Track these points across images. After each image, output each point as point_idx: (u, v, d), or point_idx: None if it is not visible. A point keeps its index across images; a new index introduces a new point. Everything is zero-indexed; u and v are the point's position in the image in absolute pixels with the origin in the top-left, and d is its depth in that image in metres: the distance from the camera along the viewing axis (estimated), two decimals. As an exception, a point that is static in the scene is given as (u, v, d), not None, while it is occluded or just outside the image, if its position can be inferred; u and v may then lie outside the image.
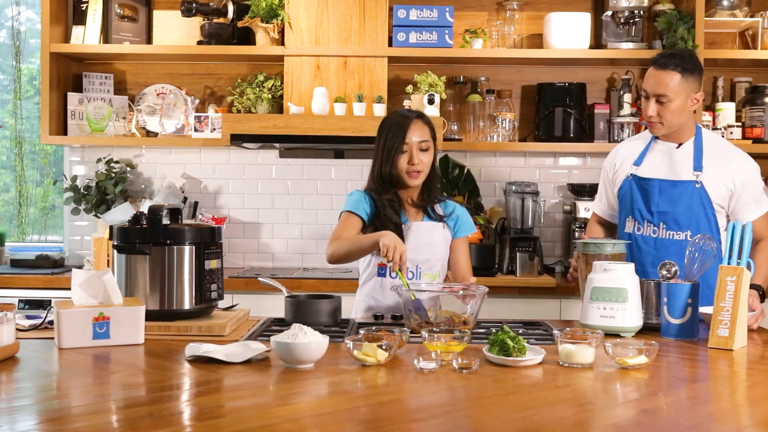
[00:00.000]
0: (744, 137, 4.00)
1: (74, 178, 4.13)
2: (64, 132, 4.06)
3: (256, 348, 1.95)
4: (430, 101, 3.79)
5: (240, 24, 3.96)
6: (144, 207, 3.81)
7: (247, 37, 4.06)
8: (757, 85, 4.08)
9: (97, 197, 4.04)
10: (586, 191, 3.93)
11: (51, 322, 2.23)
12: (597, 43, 4.12)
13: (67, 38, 4.08)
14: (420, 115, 2.70)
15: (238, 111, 3.97)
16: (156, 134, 4.06)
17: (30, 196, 4.45)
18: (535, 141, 4.04)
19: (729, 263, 2.20)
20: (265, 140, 3.81)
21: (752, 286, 2.45)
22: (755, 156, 4.10)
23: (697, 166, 2.64)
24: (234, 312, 2.47)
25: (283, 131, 3.70)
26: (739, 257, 2.20)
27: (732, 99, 4.17)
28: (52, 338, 2.10)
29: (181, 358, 1.95)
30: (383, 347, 1.87)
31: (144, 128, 4.11)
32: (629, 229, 2.74)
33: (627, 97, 4.03)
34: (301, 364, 1.85)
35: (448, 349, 1.91)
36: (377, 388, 1.72)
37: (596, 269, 2.30)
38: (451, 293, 2.38)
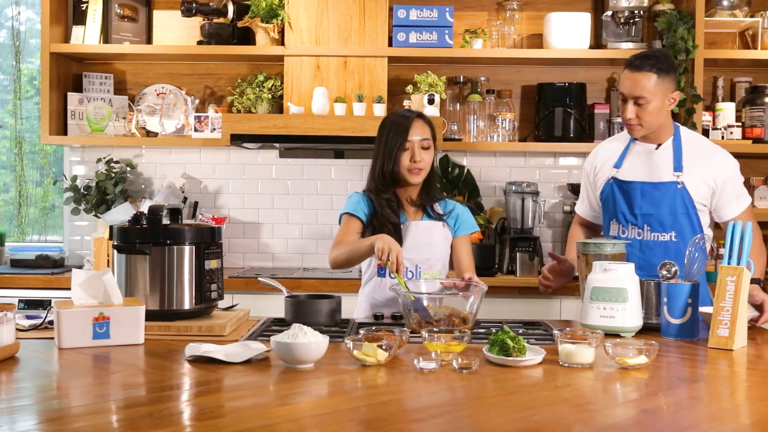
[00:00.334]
0: (744, 137, 4.00)
1: (74, 178, 4.13)
2: (64, 132, 4.06)
3: (256, 348, 1.95)
4: (430, 101, 3.79)
5: (240, 24, 3.96)
6: (144, 207, 3.81)
7: (247, 37, 4.06)
8: (757, 85, 4.08)
9: (97, 197, 4.04)
10: (586, 191, 3.92)
11: (51, 322, 2.23)
12: (597, 43, 4.12)
13: (67, 38, 4.08)
14: (420, 115, 2.71)
15: (238, 111, 3.97)
16: (156, 134, 4.06)
17: (30, 196, 4.45)
18: (535, 141, 4.04)
19: (729, 263, 2.20)
20: (265, 140, 3.81)
21: (752, 281, 2.45)
22: (755, 156, 4.14)
23: (678, 167, 2.65)
24: (234, 312, 2.47)
25: (283, 131, 3.70)
26: (739, 257, 2.20)
27: (732, 99, 4.17)
28: (52, 338, 2.10)
29: (181, 358, 1.95)
30: (383, 347, 1.87)
31: (144, 128, 4.11)
32: (614, 232, 2.74)
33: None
34: (301, 364, 1.85)
35: (448, 349, 1.91)
36: (377, 388, 1.72)
37: (596, 269, 2.30)
38: (451, 289, 2.38)
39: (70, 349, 2.03)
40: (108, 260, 3.71)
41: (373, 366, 1.86)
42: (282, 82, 3.98)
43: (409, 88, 3.93)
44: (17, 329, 2.07)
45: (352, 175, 4.22)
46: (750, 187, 4.10)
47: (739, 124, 4.01)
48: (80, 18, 4.05)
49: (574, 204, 3.93)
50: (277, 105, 4.00)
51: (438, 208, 2.75)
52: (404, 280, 2.38)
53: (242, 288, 3.61)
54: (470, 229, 2.77)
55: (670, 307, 2.26)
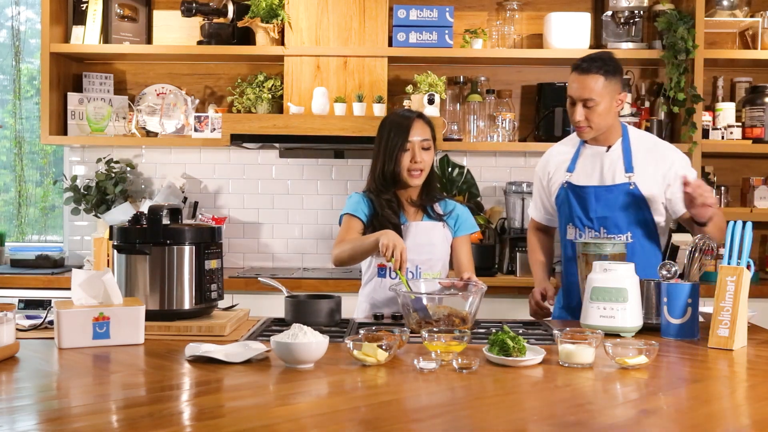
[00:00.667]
0: (744, 137, 4.00)
1: (74, 178, 4.13)
2: (64, 132, 4.06)
3: (256, 348, 1.95)
4: (430, 101, 3.79)
5: (240, 24, 3.96)
6: (144, 207, 3.81)
7: (247, 37, 4.06)
8: (757, 85, 4.08)
9: (97, 197, 4.04)
10: (586, 191, 3.92)
11: (51, 322, 2.23)
12: (597, 43, 4.12)
13: (67, 38, 4.08)
14: (421, 115, 2.70)
15: (238, 111, 3.97)
16: (156, 134, 4.06)
17: (30, 196, 4.45)
18: (535, 141, 4.04)
19: (729, 263, 2.20)
20: (265, 140, 3.81)
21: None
22: (755, 156, 4.14)
23: (628, 168, 2.65)
24: (234, 312, 2.47)
25: (283, 131, 3.70)
26: (739, 257, 2.20)
27: (732, 99, 4.17)
28: (52, 338, 2.10)
29: (181, 358, 1.95)
30: (383, 347, 1.87)
31: (144, 128, 4.11)
32: (571, 236, 2.74)
33: (627, 98, 4.02)
34: (301, 364, 1.85)
35: (448, 349, 1.91)
36: (377, 388, 1.72)
37: (596, 269, 2.30)
38: (450, 288, 2.38)
39: (70, 349, 2.03)
40: (108, 260, 3.71)
41: (373, 366, 1.86)
42: (282, 82, 3.98)
43: (409, 88, 3.93)
44: (17, 329, 2.07)
45: (352, 175, 4.22)
46: (750, 187, 4.10)
47: (739, 124, 4.01)
48: (80, 18, 4.05)
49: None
50: (277, 105, 4.00)
51: (438, 208, 2.74)
52: (406, 278, 2.38)
53: (242, 288, 3.61)
54: (470, 230, 2.77)
55: (670, 307, 2.26)
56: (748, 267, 2.19)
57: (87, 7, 4.04)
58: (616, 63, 2.65)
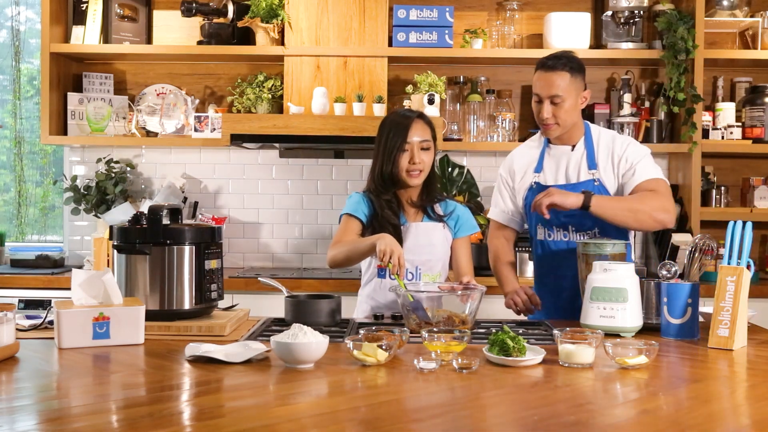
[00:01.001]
0: (744, 137, 4.00)
1: (74, 178, 4.13)
2: (64, 132, 4.06)
3: (256, 348, 1.95)
4: (430, 101, 3.79)
5: (240, 24, 3.96)
6: (144, 207, 3.81)
7: (247, 37, 4.06)
8: (757, 85, 4.08)
9: (97, 197, 4.04)
10: (586, 191, 3.92)
11: (51, 322, 2.23)
12: (597, 43, 4.12)
13: (67, 38, 4.08)
14: (421, 115, 2.70)
15: (238, 111, 3.97)
16: (156, 134, 4.06)
17: (30, 196, 4.45)
18: (535, 141, 4.04)
19: (729, 263, 2.20)
20: (265, 140, 3.81)
21: (585, 192, 2.49)
22: (755, 156, 4.14)
23: (591, 164, 2.67)
24: (234, 312, 2.47)
25: (283, 131, 3.70)
26: (739, 257, 2.20)
27: (732, 99, 4.17)
28: (52, 338, 2.10)
29: (181, 358, 1.95)
30: (383, 347, 1.87)
31: (144, 128, 4.11)
32: (541, 236, 2.74)
33: (627, 97, 4.03)
34: (301, 364, 1.85)
35: (448, 349, 1.91)
36: (377, 388, 1.72)
37: (596, 269, 2.30)
38: (449, 292, 2.38)
39: (70, 349, 2.03)
40: (108, 260, 3.71)
41: (373, 366, 1.86)
42: (282, 82, 3.98)
43: (409, 88, 3.93)
44: (17, 329, 2.07)
45: (352, 175, 4.22)
46: (750, 187, 4.10)
47: (739, 124, 4.01)
48: (80, 18, 4.05)
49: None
50: (277, 105, 4.00)
51: (438, 209, 2.74)
52: (404, 282, 2.38)
53: (242, 288, 3.61)
54: (470, 231, 2.77)
55: (670, 307, 2.26)
56: (748, 267, 2.19)
57: (87, 7, 4.04)
58: (580, 61, 2.67)
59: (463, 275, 2.65)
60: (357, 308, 2.76)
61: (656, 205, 2.53)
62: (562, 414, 1.53)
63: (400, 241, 2.62)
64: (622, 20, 4.01)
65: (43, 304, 3.57)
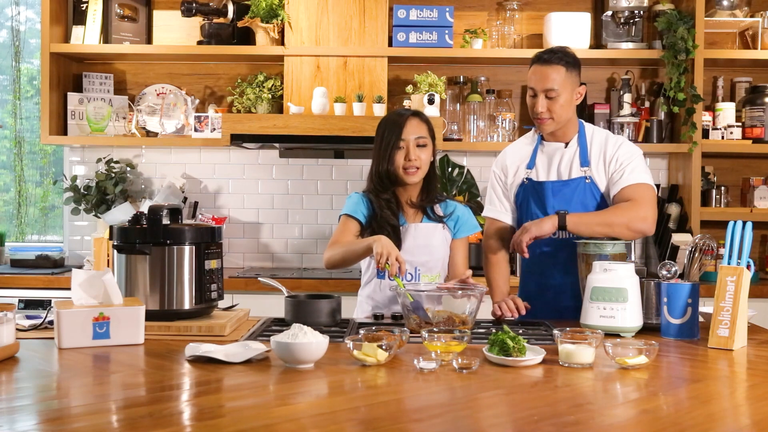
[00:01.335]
0: (744, 137, 4.00)
1: (74, 178, 4.13)
2: (64, 132, 4.06)
3: (256, 348, 1.95)
4: (430, 101, 3.79)
5: (240, 24, 3.96)
6: (144, 207, 3.81)
7: (247, 37, 4.06)
8: (757, 85, 4.08)
9: (97, 197, 4.04)
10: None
11: (51, 322, 2.23)
12: (597, 43, 4.12)
13: (67, 38, 4.08)
14: (417, 113, 2.69)
15: (238, 111, 3.97)
16: (156, 134, 4.06)
17: (30, 196, 4.45)
18: (535, 141, 4.04)
19: (729, 263, 2.20)
20: (265, 140, 3.81)
21: (558, 213, 2.50)
22: (755, 156, 4.14)
23: (584, 162, 2.66)
24: (234, 312, 2.47)
25: (283, 131, 3.70)
26: (739, 257, 2.20)
27: (732, 99, 4.17)
28: (52, 338, 2.10)
29: (181, 358, 1.95)
30: (383, 347, 1.87)
31: (144, 128, 4.11)
32: None
33: (627, 97, 4.03)
34: (301, 364, 1.85)
35: (448, 349, 1.91)
36: (377, 388, 1.72)
37: (596, 269, 2.30)
38: (449, 292, 2.38)
39: (70, 349, 2.03)
40: (108, 260, 3.71)
41: (373, 366, 1.86)
42: (282, 82, 3.98)
43: (409, 88, 3.93)
44: (17, 329, 2.07)
45: (352, 175, 4.23)
46: (750, 187, 4.10)
47: (739, 124, 4.01)
48: (80, 18, 4.05)
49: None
50: (277, 105, 4.00)
51: (438, 209, 2.73)
52: (403, 283, 2.38)
53: (242, 288, 3.61)
54: (469, 231, 2.76)
55: (670, 307, 2.26)
56: (748, 267, 2.19)
57: (87, 7, 4.04)
58: (575, 57, 2.66)
59: (458, 276, 2.63)
60: (357, 308, 2.76)
61: (632, 216, 2.52)
62: (562, 414, 1.53)
63: (399, 241, 2.61)
64: (622, 20, 4.01)
65: (43, 304, 3.57)
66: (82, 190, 4.09)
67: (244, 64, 4.21)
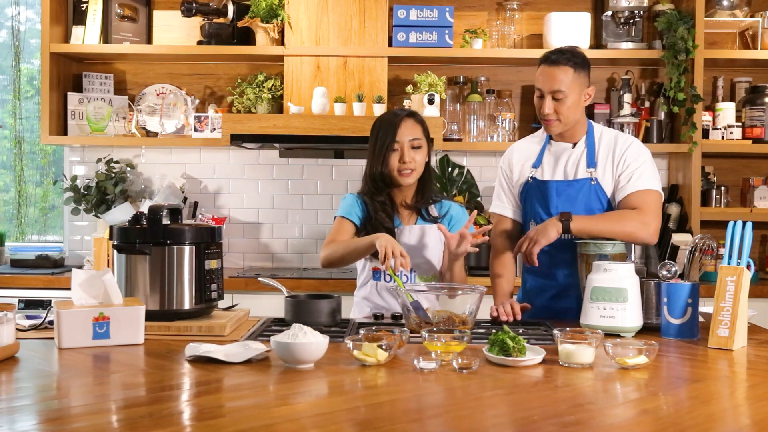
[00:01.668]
0: (744, 137, 4.00)
1: (74, 178, 4.13)
2: (64, 132, 4.06)
3: (256, 348, 1.95)
4: (430, 101, 3.79)
5: (240, 24, 3.96)
6: (144, 207, 3.81)
7: (247, 37, 4.06)
8: (757, 85, 4.08)
9: (97, 197, 4.04)
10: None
11: (51, 322, 2.23)
12: (597, 43, 4.12)
13: (67, 38, 4.08)
14: (412, 114, 2.67)
15: (238, 111, 3.97)
16: (156, 134, 4.06)
17: (30, 196, 4.45)
18: (535, 141, 4.04)
19: (729, 263, 2.20)
20: (265, 140, 3.81)
21: (562, 215, 2.48)
22: (755, 156, 4.14)
23: (591, 163, 2.63)
24: (234, 312, 2.47)
25: (283, 131, 3.70)
26: (739, 257, 2.20)
27: (732, 99, 4.17)
28: (52, 338, 2.10)
29: (181, 358, 1.95)
30: (383, 347, 1.87)
31: (144, 128, 4.11)
32: None
33: (627, 97, 4.03)
34: (301, 364, 1.85)
35: (448, 349, 1.91)
36: (377, 388, 1.72)
37: (596, 269, 2.30)
38: (449, 292, 2.38)
39: (70, 349, 2.03)
40: (108, 260, 3.71)
41: (373, 366, 1.86)
42: (282, 82, 3.98)
43: (409, 88, 3.93)
44: (17, 329, 2.06)
45: (352, 175, 4.23)
46: (750, 187, 4.10)
47: (739, 124, 4.01)
48: (80, 18, 4.05)
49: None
50: (277, 105, 4.00)
51: (433, 210, 2.71)
52: (402, 282, 2.38)
53: (242, 288, 3.61)
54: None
55: (670, 307, 2.26)
56: (748, 267, 2.19)
57: (87, 7, 4.04)
58: (585, 57, 2.63)
59: (454, 276, 2.62)
60: (353, 309, 2.74)
61: (635, 225, 2.50)
62: (562, 414, 1.53)
63: (395, 242, 2.61)
64: (622, 20, 4.01)
65: (43, 304, 3.57)
66: (82, 190, 4.09)
67: (244, 64, 4.21)
